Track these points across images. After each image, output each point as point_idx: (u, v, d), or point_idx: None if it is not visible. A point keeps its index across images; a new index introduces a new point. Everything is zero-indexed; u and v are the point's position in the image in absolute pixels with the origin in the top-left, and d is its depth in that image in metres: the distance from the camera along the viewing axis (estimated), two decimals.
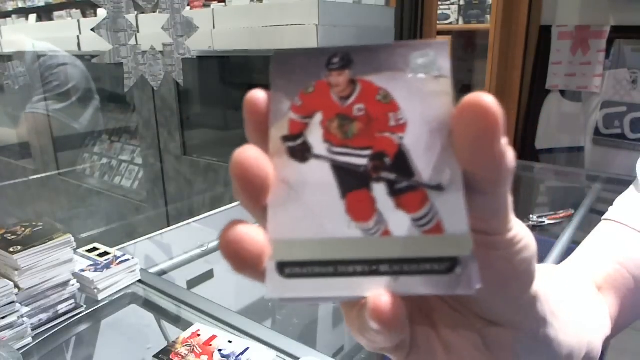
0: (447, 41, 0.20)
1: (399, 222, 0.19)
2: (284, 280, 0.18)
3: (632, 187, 0.44)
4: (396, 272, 0.18)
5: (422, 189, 0.19)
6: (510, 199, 0.20)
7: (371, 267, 0.18)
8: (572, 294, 0.34)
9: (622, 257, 0.40)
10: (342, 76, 0.20)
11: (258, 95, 0.19)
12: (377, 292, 0.18)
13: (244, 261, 0.18)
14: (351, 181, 0.19)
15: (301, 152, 0.19)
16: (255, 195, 0.18)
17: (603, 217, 0.44)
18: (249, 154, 0.18)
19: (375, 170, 0.19)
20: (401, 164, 0.19)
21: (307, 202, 0.19)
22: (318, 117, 0.20)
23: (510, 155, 0.18)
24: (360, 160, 0.19)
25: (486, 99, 0.17)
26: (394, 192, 0.19)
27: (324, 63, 0.20)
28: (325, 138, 0.19)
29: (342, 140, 0.19)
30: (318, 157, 0.19)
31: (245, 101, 0.19)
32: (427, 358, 0.22)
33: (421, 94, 0.19)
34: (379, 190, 0.19)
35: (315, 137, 0.19)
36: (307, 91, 0.20)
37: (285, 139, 0.19)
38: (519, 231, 0.20)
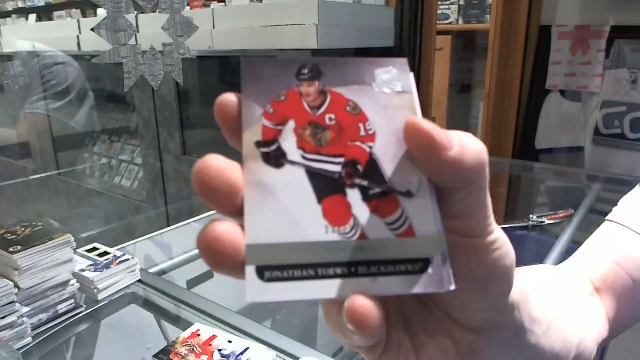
0: (406, 60, 0.22)
1: (374, 226, 0.20)
2: (264, 284, 0.18)
3: (638, 187, 0.44)
4: (373, 273, 0.19)
5: (393, 195, 0.20)
6: (489, 201, 0.21)
7: (350, 269, 0.19)
8: (565, 296, 0.34)
9: (621, 258, 0.40)
10: (312, 87, 0.21)
11: (229, 99, 0.20)
12: (355, 295, 0.18)
13: (222, 260, 0.18)
14: (327, 187, 0.20)
15: (276, 158, 0.20)
16: (223, 203, 0.19)
17: (606, 218, 0.44)
18: (210, 163, 0.18)
19: (349, 177, 0.20)
20: (373, 171, 0.20)
21: (284, 207, 0.19)
22: (291, 124, 0.20)
23: (469, 157, 0.19)
24: (334, 167, 0.20)
25: (416, 120, 0.19)
26: (368, 197, 0.20)
27: (294, 73, 0.21)
28: (299, 145, 0.20)
29: (316, 148, 0.20)
30: (293, 163, 0.20)
31: (215, 105, 0.20)
32: (399, 359, 0.23)
33: (387, 108, 0.21)
34: (354, 196, 0.20)
35: (289, 144, 0.20)
36: (278, 99, 0.21)
37: (259, 144, 0.20)
38: (500, 237, 0.21)
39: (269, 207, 0.19)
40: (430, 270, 0.19)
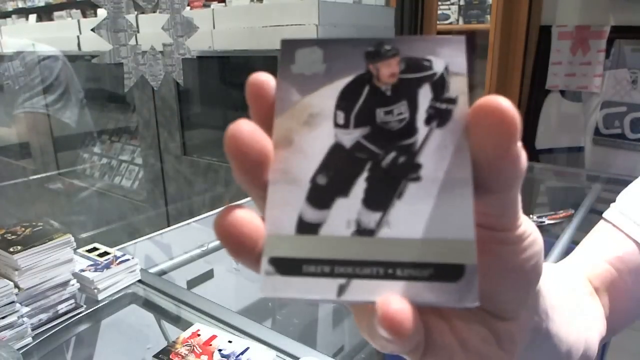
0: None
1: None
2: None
3: (637, 181, 0.44)
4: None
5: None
6: (519, 197, 0.20)
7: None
8: (568, 293, 0.34)
9: (615, 260, 0.41)
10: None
11: (262, 77, 0.19)
12: (387, 298, 0.16)
13: (242, 246, 0.17)
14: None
15: None
16: (252, 171, 0.18)
17: (603, 215, 0.45)
18: (243, 127, 0.17)
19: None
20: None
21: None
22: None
23: (523, 156, 0.18)
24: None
25: (503, 102, 0.17)
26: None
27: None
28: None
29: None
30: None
31: (248, 84, 0.19)
32: (444, 355, 0.21)
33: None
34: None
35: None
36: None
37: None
38: (527, 227, 0.21)
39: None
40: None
